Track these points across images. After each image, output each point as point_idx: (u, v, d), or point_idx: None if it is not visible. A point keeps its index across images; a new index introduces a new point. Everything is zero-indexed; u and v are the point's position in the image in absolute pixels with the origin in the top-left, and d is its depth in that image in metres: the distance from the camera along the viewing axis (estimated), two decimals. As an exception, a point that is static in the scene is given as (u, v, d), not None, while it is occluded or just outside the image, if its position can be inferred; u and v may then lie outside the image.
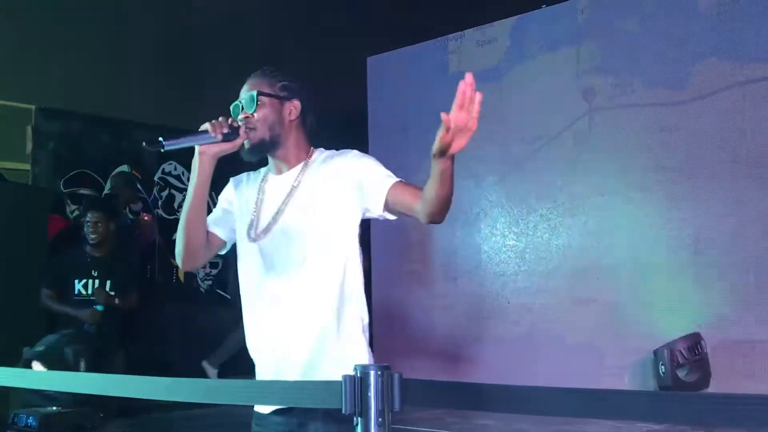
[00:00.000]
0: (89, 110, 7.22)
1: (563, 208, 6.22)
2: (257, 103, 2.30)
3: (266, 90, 2.33)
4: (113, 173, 7.39)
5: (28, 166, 6.88)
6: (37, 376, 3.17)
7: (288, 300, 2.24)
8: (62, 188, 7.01)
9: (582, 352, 5.90)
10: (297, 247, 2.26)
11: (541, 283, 6.29)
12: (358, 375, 1.76)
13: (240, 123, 2.28)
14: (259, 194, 2.36)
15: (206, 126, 2.24)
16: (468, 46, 6.88)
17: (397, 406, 1.76)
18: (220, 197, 2.46)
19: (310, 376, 2.20)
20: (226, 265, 8.17)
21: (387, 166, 8.08)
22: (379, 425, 1.74)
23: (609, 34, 6.08)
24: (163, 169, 7.93)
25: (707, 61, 5.60)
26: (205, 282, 8.12)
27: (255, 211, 2.33)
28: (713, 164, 5.54)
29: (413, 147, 7.19)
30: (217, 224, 2.40)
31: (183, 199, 7.84)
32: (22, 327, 5.47)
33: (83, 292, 5.67)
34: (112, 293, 5.66)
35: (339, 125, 8.99)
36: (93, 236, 5.69)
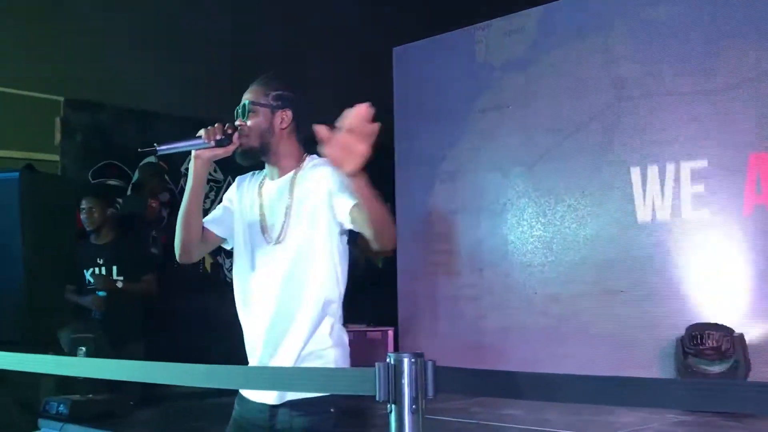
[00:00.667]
0: (117, 102, 7.26)
1: (591, 198, 6.18)
2: (250, 112, 2.43)
3: (260, 99, 2.46)
4: (141, 164, 7.44)
5: (57, 157, 6.94)
6: (67, 363, 3.20)
7: (275, 304, 2.39)
8: (90, 179, 7.06)
9: (610, 342, 5.88)
10: (288, 255, 2.40)
11: (568, 274, 6.26)
12: (392, 362, 1.76)
13: (233, 127, 2.41)
14: (258, 198, 2.48)
15: (201, 132, 2.37)
16: (495, 35, 6.85)
17: (430, 393, 1.77)
18: (224, 196, 2.60)
19: None
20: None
21: (414, 157, 8.09)
22: (412, 412, 1.74)
23: (638, 22, 6.02)
24: (191, 159, 7.97)
25: (738, 48, 5.53)
26: (231, 272, 8.16)
27: (260, 216, 2.46)
28: (744, 153, 5.47)
29: (440, 138, 7.19)
30: (216, 222, 2.51)
31: (209, 190, 7.91)
32: (52, 315, 5.52)
33: (92, 281, 5.72)
34: (117, 278, 5.68)
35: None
36: (88, 223, 5.75)
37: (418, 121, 7.37)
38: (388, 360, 1.77)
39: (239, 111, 2.46)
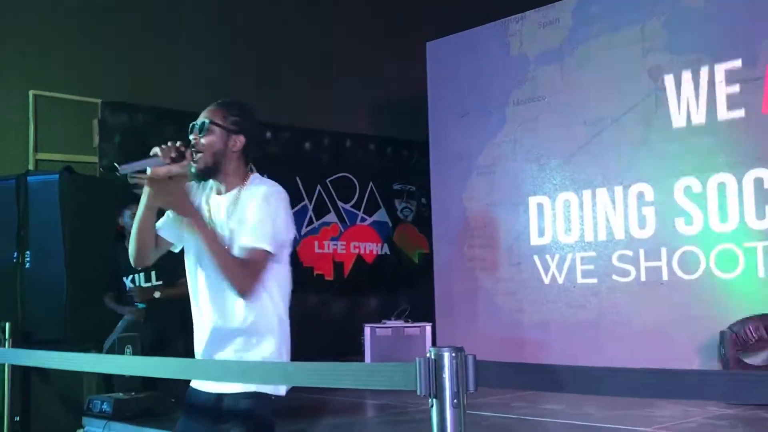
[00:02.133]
0: (153, 103, 7.33)
1: (630, 189, 6.12)
2: (207, 130, 2.57)
3: (218, 120, 2.59)
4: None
5: (95, 159, 7.02)
6: (110, 361, 3.24)
7: (217, 302, 2.56)
8: (129, 181, 7.14)
9: (650, 335, 5.81)
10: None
11: (607, 267, 6.20)
12: (432, 357, 1.76)
13: (186, 145, 2.54)
14: (206, 209, 2.62)
15: (156, 150, 2.49)
16: (529, 27, 6.80)
17: (471, 387, 1.76)
18: None
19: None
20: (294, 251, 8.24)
21: (449, 152, 8.04)
22: (454, 406, 1.73)
23: (674, 10, 5.95)
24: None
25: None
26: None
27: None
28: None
29: (474, 131, 7.16)
30: (165, 228, 2.67)
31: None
32: (94, 316, 5.60)
33: (131, 287, 5.73)
34: (153, 284, 5.69)
35: (400, 111, 9.02)
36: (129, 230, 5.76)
37: (453, 116, 7.34)
38: (428, 354, 1.76)
39: (197, 126, 2.58)
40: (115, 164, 2.47)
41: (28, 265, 5.62)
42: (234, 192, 2.60)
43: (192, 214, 2.49)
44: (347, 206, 8.98)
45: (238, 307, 2.52)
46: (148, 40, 7.38)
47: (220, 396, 2.53)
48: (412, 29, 8.42)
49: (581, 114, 6.41)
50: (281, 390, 2.50)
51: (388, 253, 9.27)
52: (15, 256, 5.63)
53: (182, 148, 2.51)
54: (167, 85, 7.40)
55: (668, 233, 5.90)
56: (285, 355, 2.58)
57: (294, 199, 8.50)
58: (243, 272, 2.46)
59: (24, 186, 5.71)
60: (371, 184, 9.15)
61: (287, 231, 2.56)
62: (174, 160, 2.49)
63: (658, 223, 5.96)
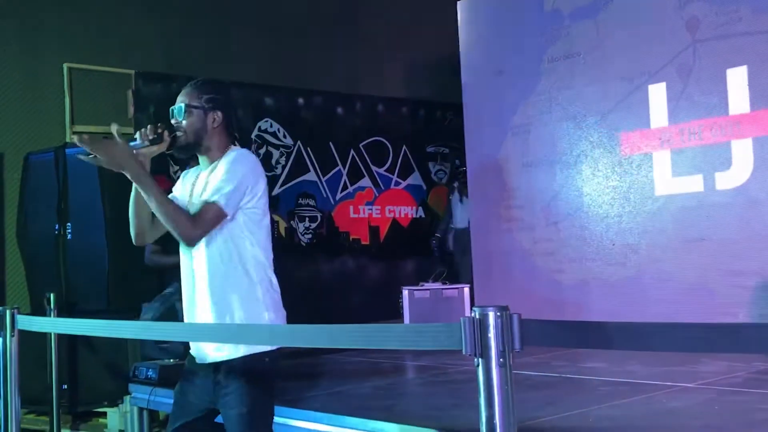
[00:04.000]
0: (187, 72, 7.35)
1: (668, 145, 6.02)
2: (186, 113, 2.78)
3: (194, 102, 2.80)
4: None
5: (131, 130, 7.07)
6: (156, 328, 3.28)
7: (200, 272, 2.76)
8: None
9: (692, 291, 5.75)
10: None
11: (647, 224, 6.13)
12: (477, 317, 1.75)
13: (171, 127, 2.77)
14: (191, 187, 2.84)
15: (137, 134, 2.74)
16: (563, -18, 6.68)
17: (517, 346, 1.76)
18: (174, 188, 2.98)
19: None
20: (323, 219, 8.29)
21: (484, 112, 7.97)
22: (500, 365, 1.73)
23: (712, -40, 5.80)
24: (260, 126, 8.03)
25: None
26: (305, 236, 8.24)
27: (189, 200, 2.81)
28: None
29: (508, 90, 7.09)
30: None
31: (279, 155, 7.99)
32: (136, 283, 5.68)
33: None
34: None
35: (432, 72, 8.95)
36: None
37: (486, 76, 7.26)
38: (473, 314, 1.76)
39: (175, 111, 2.79)
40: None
41: (69, 236, 5.71)
42: (213, 165, 2.80)
43: (132, 168, 2.64)
44: (381, 170, 8.97)
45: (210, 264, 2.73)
46: (181, 9, 7.38)
47: (217, 364, 2.70)
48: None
49: (617, 70, 6.30)
50: (269, 349, 2.66)
51: (423, 216, 9.26)
52: (56, 228, 5.72)
53: (159, 130, 2.74)
54: (200, 54, 7.40)
55: (708, 188, 5.80)
56: (262, 314, 2.72)
57: (328, 165, 8.58)
58: (187, 221, 2.66)
59: (62, 159, 5.78)
60: (404, 147, 9.13)
61: (250, 187, 2.71)
62: (152, 142, 2.72)
63: (698, 178, 5.86)
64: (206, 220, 2.67)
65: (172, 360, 5.08)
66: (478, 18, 7.39)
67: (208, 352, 2.72)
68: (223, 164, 2.74)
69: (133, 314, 5.21)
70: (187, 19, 7.38)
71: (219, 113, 2.81)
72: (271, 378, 2.74)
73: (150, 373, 4.97)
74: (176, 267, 5.75)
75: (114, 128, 2.69)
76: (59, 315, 5.04)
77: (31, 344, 4.56)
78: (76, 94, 6.83)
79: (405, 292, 6.66)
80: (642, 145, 6.18)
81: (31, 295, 5.90)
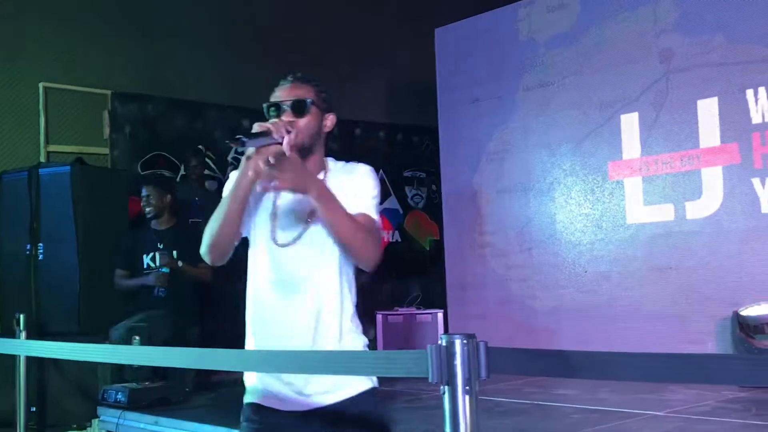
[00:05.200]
0: (163, 93, 7.34)
1: (640, 173, 6.09)
2: (308, 110, 2.35)
3: (314, 98, 2.39)
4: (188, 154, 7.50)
5: (106, 150, 7.03)
6: (125, 351, 3.26)
7: (301, 300, 2.31)
8: (140, 171, 7.16)
9: (662, 319, 5.80)
10: (316, 256, 2.33)
11: (618, 252, 6.19)
12: (444, 344, 1.76)
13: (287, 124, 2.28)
14: (275, 198, 2.38)
15: (268, 125, 2.22)
16: (538, 12, 6.76)
17: (483, 374, 1.76)
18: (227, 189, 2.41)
19: None
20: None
21: (459, 138, 8.03)
22: (466, 393, 1.74)
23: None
24: (236, 149, 8.02)
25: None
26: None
27: (279, 216, 2.37)
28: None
29: (484, 117, 7.15)
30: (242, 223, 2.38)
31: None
32: (107, 306, 5.64)
33: (152, 264, 5.82)
34: (176, 258, 5.77)
35: (410, 98, 8.99)
36: (148, 209, 5.86)
37: (463, 102, 7.32)
38: (440, 341, 1.77)
39: (287, 107, 2.33)
40: (241, 136, 2.13)
41: (41, 257, 5.66)
42: (320, 177, 2.36)
43: (317, 187, 2.18)
44: (358, 194, 8.97)
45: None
46: (158, 31, 7.38)
47: (316, 410, 2.27)
48: (420, 15, 8.39)
49: (591, 99, 6.37)
50: (376, 380, 2.33)
51: (399, 240, 9.27)
52: (28, 248, 5.67)
53: (288, 127, 2.24)
54: (177, 75, 7.40)
55: (679, 217, 5.87)
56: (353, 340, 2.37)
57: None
58: (374, 241, 2.26)
59: (36, 178, 5.75)
60: (381, 171, 9.15)
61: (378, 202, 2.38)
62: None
63: (669, 207, 5.93)
64: (380, 238, 2.32)
65: (138, 383, 5.04)
66: (455, 45, 7.46)
67: (298, 395, 2.27)
68: (354, 175, 2.39)
69: (103, 337, 5.17)
70: (164, 40, 7.39)
71: (333, 116, 2.45)
72: (387, 419, 2.35)
73: (119, 396, 4.93)
74: (141, 289, 5.72)
75: (267, 127, 2.19)
76: (29, 336, 4.97)
77: (0, 365, 4.51)
78: (52, 113, 6.80)
79: (379, 317, 6.67)
80: (614, 174, 6.25)
81: (0, 316, 5.83)
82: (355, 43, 8.50)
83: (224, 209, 2.28)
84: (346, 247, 2.27)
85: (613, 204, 6.25)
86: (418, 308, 7.01)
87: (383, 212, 9.12)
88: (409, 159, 9.38)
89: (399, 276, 8.80)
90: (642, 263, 6.04)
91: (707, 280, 5.66)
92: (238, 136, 2.14)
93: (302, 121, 2.33)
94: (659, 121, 6.00)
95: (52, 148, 6.80)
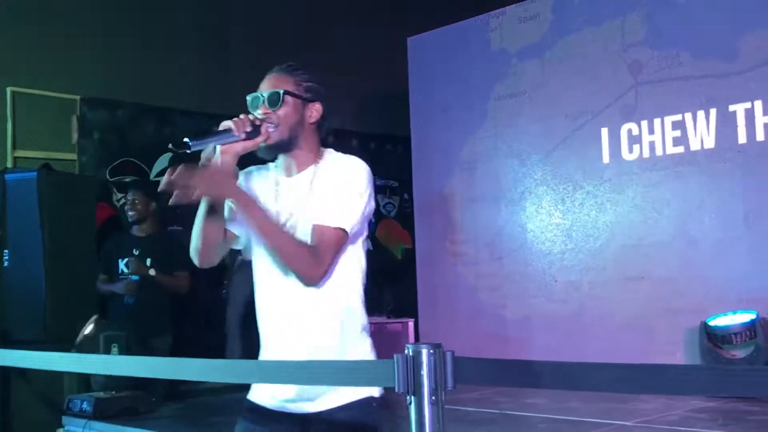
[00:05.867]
0: (133, 99, 7.28)
1: (610, 184, 6.14)
2: (282, 101, 2.29)
3: (291, 89, 2.31)
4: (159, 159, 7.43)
5: (74, 156, 6.95)
6: (90, 360, 3.21)
7: (300, 298, 2.27)
8: (108, 177, 7.09)
9: (632, 329, 5.84)
10: None
11: (588, 261, 6.22)
12: (411, 354, 1.75)
13: (261, 118, 2.26)
14: (278, 195, 2.35)
15: (229, 124, 2.20)
16: (510, 22, 6.80)
17: (450, 384, 1.76)
18: None
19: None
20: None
21: (430, 147, 8.05)
22: (432, 403, 1.73)
23: (654, 5, 5.96)
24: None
25: (757, 32, 5.46)
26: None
27: (287, 215, 2.31)
28: (764, 137, 5.41)
29: (455, 126, 7.16)
30: (233, 223, 2.34)
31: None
32: (74, 313, 5.56)
33: (125, 270, 5.78)
34: (148, 266, 5.73)
35: (380, 106, 9.00)
36: (131, 214, 5.86)
37: (435, 112, 7.34)
38: (406, 351, 1.76)
39: (264, 98, 2.30)
40: (186, 140, 2.13)
41: (6, 263, 5.57)
42: (308, 172, 2.33)
43: (234, 192, 2.19)
44: (330, 202, 8.95)
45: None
46: (128, 36, 7.32)
47: (316, 415, 2.26)
48: (392, 24, 8.40)
49: (562, 109, 6.41)
50: (377, 390, 2.28)
51: (371, 248, 9.23)
52: (-7, 254, 5.59)
53: (257, 122, 2.23)
54: (147, 81, 7.34)
55: (649, 228, 5.92)
56: (354, 351, 2.31)
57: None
58: (309, 256, 2.18)
59: (2, 183, 5.66)
60: (353, 179, 9.14)
61: (369, 207, 2.32)
62: (249, 135, 2.21)
63: (639, 217, 5.98)
64: (332, 254, 2.22)
65: (104, 393, 4.98)
66: (426, 54, 7.47)
67: (295, 398, 2.26)
68: (339, 173, 2.30)
69: (69, 345, 5.10)
70: (135, 45, 7.33)
71: (318, 106, 2.35)
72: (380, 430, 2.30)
73: (84, 405, 4.86)
74: (112, 296, 5.67)
75: (228, 125, 2.19)
76: (-7, 344, 4.90)
77: (-39, 374, 4.43)
78: (19, 118, 6.71)
79: (349, 326, 6.63)
80: (584, 184, 6.28)
81: (-36, 323, 5.74)
82: (327, 51, 8.49)
83: (200, 212, 2.26)
84: (273, 257, 2.22)
85: (583, 214, 6.29)
86: (389, 317, 6.99)
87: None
88: (381, 167, 9.36)
89: (370, 284, 8.78)
90: (612, 273, 6.07)
91: (677, 290, 5.70)
92: (185, 140, 2.13)
93: (279, 113, 2.28)
94: (629, 132, 6.05)
95: (19, 153, 6.71)
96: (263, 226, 2.17)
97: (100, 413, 4.81)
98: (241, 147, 2.21)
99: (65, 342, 5.12)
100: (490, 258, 6.83)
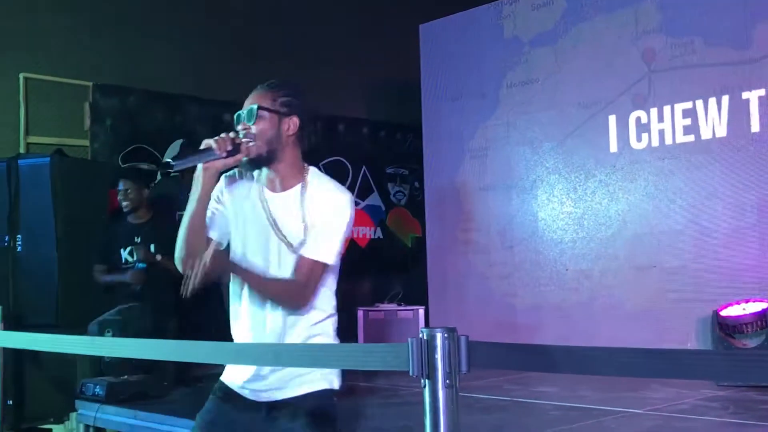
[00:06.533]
0: (145, 86, 7.28)
1: (622, 172, 6.12)
2: (257, 117, 2.39)
3: (266, 104, 2.41)
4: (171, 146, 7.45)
5: (87, 142, 6.97)
6: (104, 343, 3.23)
7: (275, 319, 2.42)
8: (120, 163, 7.10)
9: (642, 318, 5.83)
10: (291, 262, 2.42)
11: (599, 250, 6.21)
12: (425, 338, 1.75)
13: (241, 136, 2.38)
14: (265, 206, 2.45)
15: (210, 143, 2.32)
16: (523, 9, 6.77)
17: (464, 368, 1.75)
18: (212, 195, 2.47)
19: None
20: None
21: (442, 135, 8.03)
22: (446, 387, 1.73)
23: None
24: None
25: (771, 18, 5.42)
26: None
27: (274, 226, 2.43)
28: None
29: (467, 114, 7.15)
30: (213, 227, 2.47)
31: (238, 174, 7.91)
32: (86, 298, 5.59)
33: (129, 259, 5.75)
34: (154, 253, 5.72)
35: (393, 95, 8.98)
36: (124, 203, 5.79)
37: (446, 99, 7.32)
38: (420, 335, 1.76)
39: (245, 115, 2.42)
40: (169, 160, 2.33)
41: (19, 248, 5.60)
42: (295, 190, 2.45)
43: (234, 271, 2.42)
44: (340, 190, 8.95)
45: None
46: (140, 23, 7.33)
47: (275, 402, 2.42)
48: (404, 11, 8.38)
49: (574, 97, 6.39)
50: (336, 383, 2.44)
51: (381, 237, 9.26)
52: (6, 239, 5.61)
53: (237, 140, 2.36)
54: (159, 68, 7.35)
55: (660, 216, 5.90)
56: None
57: (287, 183, 8.54)
58: (296, 291, 2.38)
59: (15, 169, 5.69)
60: (364, 167, 9.13)
61: (341, 243, 2.45)
62: (230, 153, 2.34)
63: (651, 206, 5.96)
64: (316, 284, 2.41)
65: (116, 377, 5.00)
66: (439, 42, 7.45)
67: (262, 388, 2.42)
68: (330, 207, 2.42)
69: (81, 329, 5.12)
70: (147, 32, 7.33)
71: (295, 119, 2.44)
72: (337, 420, 2.46)
73: (97, 389, 4.89)
74: (120, 285, 5.65)
75: (210, 143, 2.34)
76: (6, 328, 4.93)
77: (-24, 358, 4.46)
78: (32, 104, 6.73)
79: (360, 313, 6.66)
80: (596, 172, 6.26)
81: (-23, 308, 5.77)
82: (338, 39, 8.47)
83: (184, 224, 2.41)
84: (273, 301, 2.40)
85: (595, 202, 6.27)
86: (399, 305, 7.00)
87: (365, 208, 9.11)
88: (391, 156, 9.36)
89: (380, 273, 8.79)
90: (624, 262, 6.06)
91: (688, 279, 5.68)
92: (166, 161, 2.34)
93: (255, 129, 2.39)
94: (641, 120, 6.02)
95: (32, 139, 6.73)
96: (259, 286, 2.38)
97: (113, 397, 4.84)
98: (222, 164, 2.35)
99: (77, 326, 5.14)
100: (501, 246, 6.82)
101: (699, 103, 5.73)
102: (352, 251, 9.06)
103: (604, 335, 5.90)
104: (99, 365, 5.27)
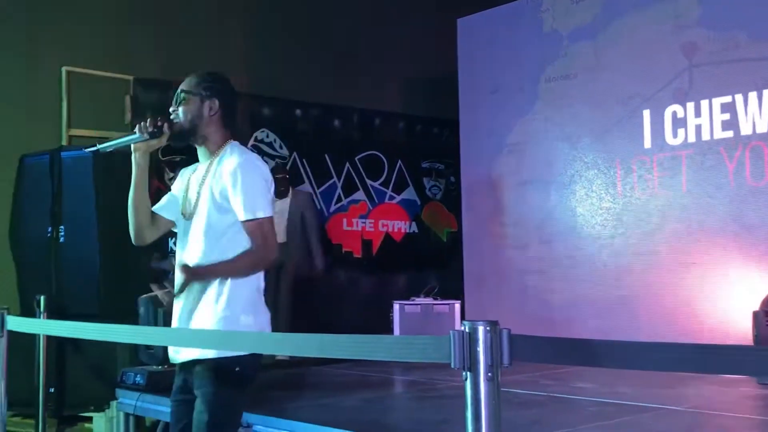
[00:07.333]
0: (185, 79, 7.34)
1: (662, 168, 6.06)
2: (181, 100, 2.79)
3: (191, 88, 2.81)
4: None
5: (128, 135, 7.06)
6: (144, 332, 3.28)
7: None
8: (160, 156, 7.18)
9: (683, 315, 5.77)
10: (199, 228, 2.77)
11: (639, 246, 6.15)
12: (467, 330, 1.76)
13: (163, 116, 2.76)
14: (188, 180, 2.86)
15: (135, 128, 2.73)
16: (562, 3, 6.73)
17: (506, 361, 1.76)
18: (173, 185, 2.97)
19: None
20: (323, 228, 8.28)
21: (479, 129, 8.01)
22: (488, 380, 1.74)
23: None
24: (256, 137, 8.03)
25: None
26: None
27: (184, 194, 2.84)
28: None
29: (504, 108, 7.12)
30: (164, 208, 2.89)
31: (275, 165, 7.99)
32: (127, 289, 5.65)
33: (174, 248, 5.85)
34: None
35: (429, 89, 8.98)
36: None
37: (484, 93, 7.30)
38: (462, 328, 1.77)
39: (174, 99, 2.81)
40: (96, 144, 2.74)
41: (62, 239, 5.69)
42: (213, 158, 2.79)
43: (197, 275, 2.74)
44: (376, 184, 8.97)
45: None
46: (180, 17, 7.39)
47: (188, 363, 2.75)
48: (442, 5, 8.36)
49: (614, 92, 6.34)
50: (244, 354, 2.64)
51: (417, 231, 9.26)
52: (49, 230, 5.70)
53: (159, 122, 2.71)
54: (198, 61, 7.41)
55: (701, 212, 5.83)
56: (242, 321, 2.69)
57: (323, 177, 8.58)
58: (261, 254, 2.68)
59: (58, 162, 5.77)
60: (400, 162, 9.13)
61: (265, 196, 2.71)
62: (152, 135, 2.70)
63: (691, 202, 5.89)
64: (270, 236, 2.70)
65: (160, 366, 5.05)
66: (477, 35, 7.43)
67: (175, 350, 2.78)
68: (233, 171, 2.70)
69: (123, 319, 5.18)
70: (187, 26, 7.40)
71: (216, 101, 2.80)
72: (240, 386, 2.71)
73: (138, 378, 4.94)
74: (167, 272, 5.73)
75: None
76: (49, 318, 5.01)
77: (20, 346, 4.53)
78: (74, 97, 6.82)
79: (396, 306, 6.66)
80: (636, 168, 6.21)
81: (21, 298, 5.86)
82: (376, 33, 8.48)
83: (131, 197, 2.81)
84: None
85: (634, 198, 6.22)
86: (435, 299, 7.00)
87: (400, 202, 9.12)
88: (427, 150, 9.35)
89: (415, 267, 8.80)
90: (663, 258, 6.00)
91: (729, 276, 5.62)
92: (96, 147, 2.81)
93: (180, 109, 2.78)
94: (681, 115, 5.95)
95: (73, 132, 6.83)
96: (223, 274, 2.69)
97: (153, 386, 4.89)
98: (146, 145, 2.74)
99: (119, 317, 5.21)
100: (539, 241, 6.79)
101: (737, 96, 5.66)
102: (387, 245, 9.12)
103: (642, 332, 5.86)
104: (137, 354, 5.33)
